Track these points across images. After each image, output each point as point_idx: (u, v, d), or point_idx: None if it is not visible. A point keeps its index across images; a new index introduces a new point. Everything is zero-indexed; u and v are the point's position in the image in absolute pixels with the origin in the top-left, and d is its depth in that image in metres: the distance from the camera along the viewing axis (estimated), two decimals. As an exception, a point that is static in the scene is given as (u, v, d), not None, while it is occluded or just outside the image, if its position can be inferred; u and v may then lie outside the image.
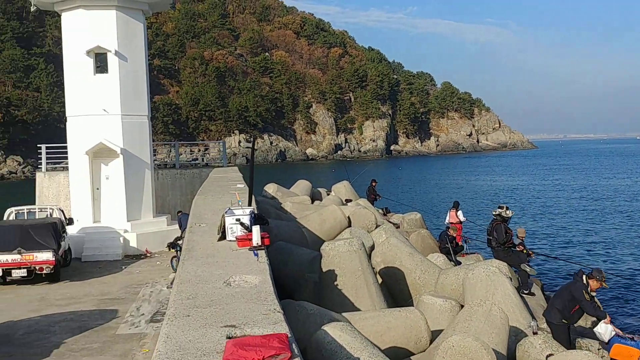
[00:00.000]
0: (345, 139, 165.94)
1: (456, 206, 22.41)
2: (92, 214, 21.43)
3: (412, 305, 10.71)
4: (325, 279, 9.63)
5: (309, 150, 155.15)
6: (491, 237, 15.28)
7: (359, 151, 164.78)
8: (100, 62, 21.48)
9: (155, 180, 24.22)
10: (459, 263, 15.88)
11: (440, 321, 9.26)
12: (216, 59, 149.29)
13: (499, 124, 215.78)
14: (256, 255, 7.10)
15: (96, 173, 21.60)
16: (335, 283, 9.37)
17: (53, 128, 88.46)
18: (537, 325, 10.00)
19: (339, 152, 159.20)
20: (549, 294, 17.11)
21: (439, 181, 77.85)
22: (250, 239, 7.39)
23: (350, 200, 22.76)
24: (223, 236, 7.88)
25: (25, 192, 28.96)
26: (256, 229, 7.36)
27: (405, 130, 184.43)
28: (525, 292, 14.27)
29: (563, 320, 9.84)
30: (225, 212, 7.90)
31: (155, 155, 43.61)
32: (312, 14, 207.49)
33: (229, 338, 4.77)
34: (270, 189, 23.11)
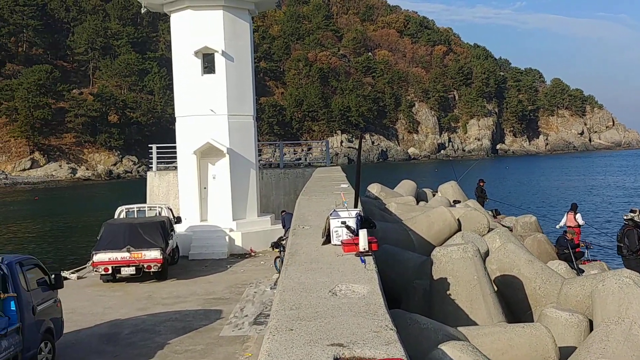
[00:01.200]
0: (449, 138, 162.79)
1: (574, 208, 20.78)
2: (199, 212, 21.73)
3: (532, 318, 9.83)
4: (436, 287, 8.93)
5: (411, 150, 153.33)
6: (622, 244, 13.97)
7: (463, 150, 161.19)
8: (208, 63, 21.74)
9: (259, 180, 24.31)
10: (582, 271, 14.63)
11: (566, 337, 8.36)
12: (320, 60, 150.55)
13: (613, 122, 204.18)
14: (363, 261, 6.56)
15: (203, 172, 21.88)
16: (448, 292, 8.66)
17: (166, 129, 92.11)
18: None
19: (441, 151, 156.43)
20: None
21: (550, 182, 74.00)
22: (357, 244, 6.86)
23: (459, 202, 21.72)
24: (328, 240, 7.39)
25: (138, 190, 29.98)
26: (363, 233, 6.81)
27: (512, 128, 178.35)
28: None
29: None
30: (330, 214, 7.41)
31: (260, 155, 44.27)
32: (416, 12, 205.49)
33: (337, 359, 4.27)
34: (374, 189, 22.50)
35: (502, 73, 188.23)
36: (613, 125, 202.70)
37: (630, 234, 13.72)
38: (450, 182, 24.66)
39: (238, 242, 21.24)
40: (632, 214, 14.22)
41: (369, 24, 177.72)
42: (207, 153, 21.61)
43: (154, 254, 16.59)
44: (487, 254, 11.42)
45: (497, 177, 78.54)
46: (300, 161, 33.35)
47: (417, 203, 20.98)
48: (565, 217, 21.09)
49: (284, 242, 16.24)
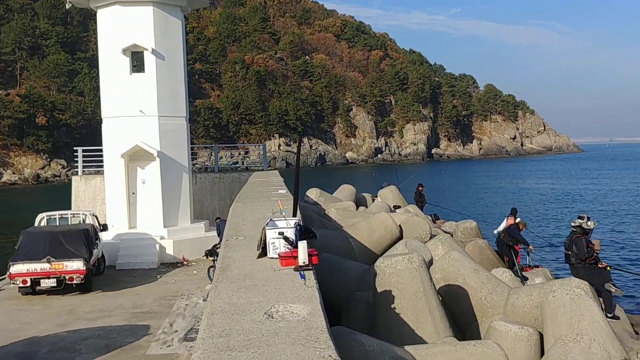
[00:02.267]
0: (386, 143, 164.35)
1: (514, 213, 20.46)
2: (127, 219, 20.52)
3: (478, 330, 9.34)
4: (380, 300, 8.29)
5: (349, 154, 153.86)
6: (570, 252, 13.40)
7: (400, 155, 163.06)
8: (137, 61, 20.62)
9: (193, 185, 23.28)
10: (526, 279, 14.31)
11: (517, 352, 7.86)
12: (257, 63, 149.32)
13: (544, 127, 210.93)
14: (303, 277, 5.85)
15: (132, 177, 20.71)
16: (392, 306, 8.03)
17: (96, 131, 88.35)
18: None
19: (379, 155, 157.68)
20: (635, 315, 15.26)
21: (486, 186, 75.13)
22: (296, 257, 6.15)
23: (399, 207, 21.26)
24: (264, 252, 6.64)
25: (66, 196, 28.38)
26: (302, 245, 6.10)
27: (447, 133, 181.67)
28: (609, 315, 12.36)
29: None
30: (267, 224, 6.66)
31: (196, 159, 42.92)
32: (353, 17, 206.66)
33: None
34: (313, 194, 21.81)
35: (437, 78, 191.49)
36: (544, 130, 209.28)
37: (579, 242, 13.22)
38: (390, 186, 24.19)
39: (169, 250, 20.14)
40: (580, 221, 13.69)
41: (306, 27, 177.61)
42: (136, 156, 20.46)
43: (77, 264, 15.38)
44: (431, 262, 10.89)
45: (433, 181, 79.30)
46: (236, 165, 32.36)
47: (357, 208, 20.42)
48: (504, 221, 20.77)
49: (219, 250, 15.38)
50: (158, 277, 17.94)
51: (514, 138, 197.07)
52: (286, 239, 6.38)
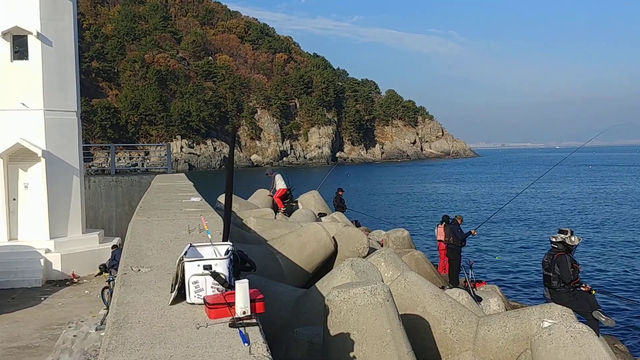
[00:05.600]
0: (291, 146, 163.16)
1: (446, 221, 19.12)
2: (6, 229, 17.61)
3: (440, 368, 7.64)
4: (333, 345, 6.32)
5: (254, 157, 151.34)
6: (551, 274, 11.06)
7: (305, 158, 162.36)
8: (19, 47, 17.81)
9: (86, 189, 20.54)
10: (480, 299, 12.80)
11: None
12: (157, 62, 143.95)
13: (442, 132, 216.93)
14: (245, 340, 3.86)
15: (12, 180, 17.80)
16: (351, 354, 6.13)
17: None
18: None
19: (284, 158, 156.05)
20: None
21: (395, 190, 74.91)
22: (232, 304, 4.14)
23: (324, 214, 19.33)
24: (181, 295, 4.58)
25: None
26: (242, 287, 4.08)
27: (350, 137, 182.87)
28: None
29: None
30: (185, 253, 4.59)
31: (91, 160, 39.40)
32: (257, 19, 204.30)
33: None
34: (225, 199, 19.53)
35: (340, 83, 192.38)
36: (442, 135, 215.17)
37: (562, 261, 10.99)
38: (311, 191, 22.06)
39: (57, 265, 17.36)
40: (562, 236, 11.34)
41: (209, 28, 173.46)
42: (17, 156, 17.58)
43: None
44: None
45: (340, 185, 78.21)
46: (136, 167, 29.53)
47: (275, 216, 18.40)
48: (436, 229, 19.40)
49: (114, 272, 12.99)
50: (42, 298, 15.23)
51: (414, 142, 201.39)
52: (216, 275, 4.34)
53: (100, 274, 15.64)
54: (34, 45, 17.68)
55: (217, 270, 4.35)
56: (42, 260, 17.13)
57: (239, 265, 4.83)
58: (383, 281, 8.52)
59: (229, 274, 4.43)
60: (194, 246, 4.73)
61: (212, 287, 4.37)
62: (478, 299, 12.52)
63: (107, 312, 12.35)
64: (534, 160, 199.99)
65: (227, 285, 4.34)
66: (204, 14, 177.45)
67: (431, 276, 13.93)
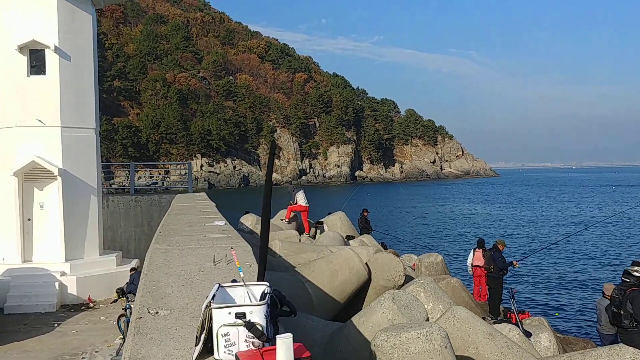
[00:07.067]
0: (310, 164, 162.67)
1: (482, 245, 18.09)
2: (20, 251, 16.90)
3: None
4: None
5: (273, 175, 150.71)
6: (621, 311, 9.61)
7: (324, 176, 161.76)
8: (36, 61, 17.21)
9: (104, 209, 19.85)
10: (530, 334, 11.71)
11: None
12: (178, 82, 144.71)
13: (462, 151, 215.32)
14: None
15: (27, 200, 17.13)
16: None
17: None
18: None
19: (303, 177, 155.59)
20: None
21: (421, 210, 73.10)
22: (272, 364, 3.24)
23: (352, 237, 18.30)
24: (207, 348, 3.68)
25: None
26: (285, 345, 3.20)
27: (369, 156, 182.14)
28: None
29: None
30: (212, 297, 3.70)
31: (112, 179, 38.76)
32: (277, 39, 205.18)
33: None
34: (248, 220, 18.53)
35: (359, 102, 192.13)
36: (462, 154, 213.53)
37: (636, 297, 9.54)
38: (337, 212, 20.96)
39: (72, 289, 16.58)
40: (637, 268, 9.81)
41: (230, 48, 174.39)
42: (33, 175, 16.92)
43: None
44: (424, 320, 8.14)
45: (362, 204, 77.00)
46: (156, 185, 28.82)
47: (299, 238, 17.46)
48: (471, 254, 18.34)
49: (132, 297, 12.17)
50: (56, 325, 14.42)
51: (434, 162, 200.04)
52: (251, 327, 3.43)
53: (117, 299, 14.83)
54: (51, 60, 17.11)
55: (252, 320, 3.43)
56: (57, 284, 16.37)
57: (276, 308, 3.91)
58: (429, 318, 7.55)
59: (267, 324, 3.52)
60: (223, 287, 3.83)
61: (246, 340, 3.44)
62: (528, 334, 11.42)
63: (123, 342, 11.49)
64: (557, 181, 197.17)
65: (265, 338, 3.43)
66: (225, 34, 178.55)
67: (470, 306, 12.85)
